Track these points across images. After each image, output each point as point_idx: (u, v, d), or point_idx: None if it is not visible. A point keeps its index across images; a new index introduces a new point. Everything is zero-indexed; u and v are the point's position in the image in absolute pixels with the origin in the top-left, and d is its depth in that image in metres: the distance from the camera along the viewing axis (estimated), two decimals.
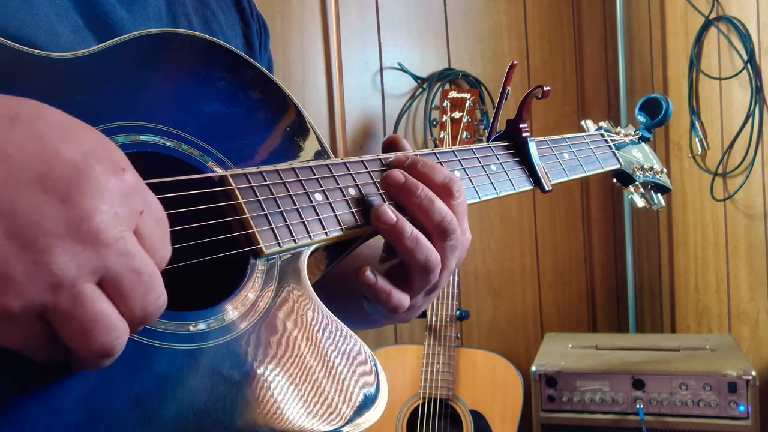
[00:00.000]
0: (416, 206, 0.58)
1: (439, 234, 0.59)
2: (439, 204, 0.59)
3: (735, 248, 2.22)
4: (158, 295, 0.39)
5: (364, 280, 0.58)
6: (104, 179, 0.36)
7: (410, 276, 0.59)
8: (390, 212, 0.57)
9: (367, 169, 0.62)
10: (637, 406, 1.83)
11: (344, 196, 0.59)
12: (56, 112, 0.37)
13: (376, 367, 0.52)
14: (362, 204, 0.60)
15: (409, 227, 0.57)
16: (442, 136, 2.22)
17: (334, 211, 0.57)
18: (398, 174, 0.59)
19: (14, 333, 0.35)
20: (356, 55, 2.43)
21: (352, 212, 0.58)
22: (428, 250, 0.58)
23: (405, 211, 0.60)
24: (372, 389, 0.51)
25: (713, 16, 2.21)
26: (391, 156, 0.63)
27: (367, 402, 0.50)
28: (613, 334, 2.54)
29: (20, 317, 0.35)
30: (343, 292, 0.68)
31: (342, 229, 0.57)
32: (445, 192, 0.60)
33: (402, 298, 0.59)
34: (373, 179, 0.62)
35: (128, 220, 0.37)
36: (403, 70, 2.46)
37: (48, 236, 0.34)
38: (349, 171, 0.60)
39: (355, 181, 0.60)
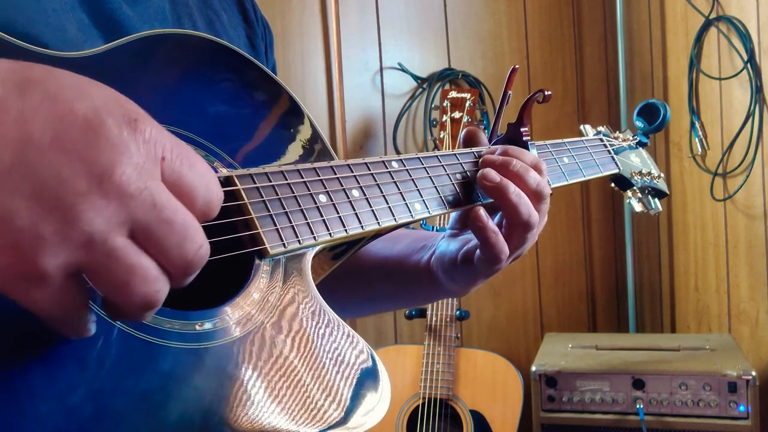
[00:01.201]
0: (513, 175, 0.67)
1: (535, 197, 0.68)
2: (533, 172, 0.68)
3: (735, 248, 2.23)
4: (198, 245, 0.38)
5: (477, 219, 0.65)
6: (117, 132, 0.36)
7: (509, 233, 0.67)
8: (494, 173, 0.66)
9: (370, 171, 0.62)
10: (637, 406, 1.83)
11: (348, 198, 0.59)
12: (66, 73, 0.38)
13: (378, 366, 0.52)
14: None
15: (512, 185, 0.66)
16: (442, 136, 2.22)
17: (338, 213, 0.57)
18: (494, 156, 0.69)
19: (48, 296, 0.36)
20: (356, 55, 2.43)
21: (356, 214, 0.59)
22: (529, 206, 0.67)
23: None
24: (375, 389, 0.51)
25: (713, 16, 2.22)
26: (378, 159, 0.64)
27: (371, 401, 0.50)
28: (613, 334, 2.54)
29: (53, 278, 0.35)
30: (400, 274, 0.78)
31: (346, 230, 0.57)
32: (536, 168, 0.69)
33: (504, 247, 0.67)
34: (376, 181, 0.62)
35: (150, 170, 0.37)
36: (403, 70, 2.46)
37: (72, 194, 0.35)
38: (352, 173, 0.61)
39: (359, 183, 0.61)
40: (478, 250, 0.68)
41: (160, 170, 0.38)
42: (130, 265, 0.36)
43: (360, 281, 0.79)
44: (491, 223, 0.66)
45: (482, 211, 0.66)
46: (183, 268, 0.39)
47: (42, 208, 0.34)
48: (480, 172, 0.67)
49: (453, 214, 0.75)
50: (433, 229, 1.99)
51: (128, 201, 0.36)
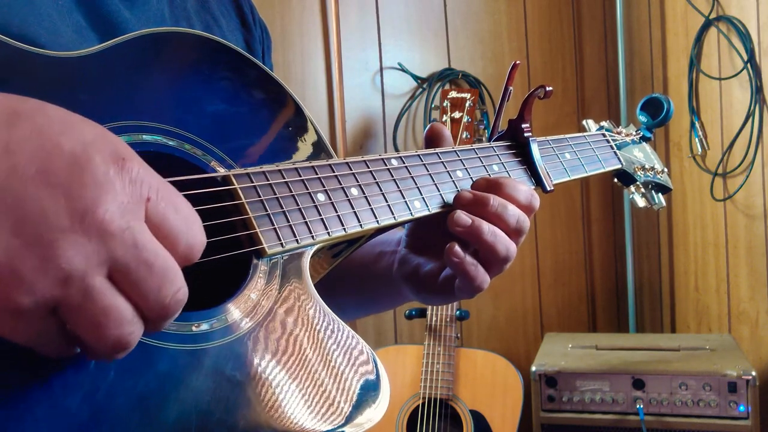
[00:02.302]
0: (492, 215, 0.64)
1: (515, 234, 0.65)
2: (512, 207, 0.65)
3: (735, 248, 2.22)
4: (176, 288, 0.38)
5: (453, 255, 0.63)
6: (105, 169, 0.36)
7: (487, 267, 0.65)
8: (464, 216, 0.63)
9: (368, 169, 0.62)
10: (637, 406, 1.83)
11: (347, 196, 0.59)
12: (56, 108, 0.37)
13: (377, 366, 0.52)
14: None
15: (485, 224, 0.63)
16: None
17: (336, 211, 0.57)
18: (466, 194, 0.65)
19: (26, 329, 0.35)
20: (356, 55, 2.43)
21: (355, 212, 0.59)
22: (507, 241, 0.64)
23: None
24: (374, 389, 0.51)
25: (713, 16, 2.21)
26: (378, 157, 0.63)
27: (370, 401, 0.50)
28: (613, 334, 2.54)
29: (31, 313, 0.35)
30: (374, 279, 0.75)
31: (344, 229, 0.57)
32: (527, 208, 0.67)
33: (485, 276, 0.65)
34: (375, 179, 0.62)
35: (134, 210, 0.37)
36: (403, 70, 2.46)
37: (53, 231, 0.34)
38: (351, 171, 0.60)
39: (358, 181, 0.60)
40: (457, 281, 0.66)
41: (144, 211, 0.37)
42: (105, 307, 0.36)
43: (328, 289, 0.76)
44: (468, 258, 0.63)
45: (456, 247, 0.63)
46: (159, 312, 0.38)
47: (20, 244, 0.34)
48: (450, 215, 0.63)
49: (407, 227, 0.73)
50: None
51: (109, 240, 0.35)
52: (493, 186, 0.66)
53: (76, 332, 0.36)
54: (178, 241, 0.39)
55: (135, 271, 0.36)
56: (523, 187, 0.67)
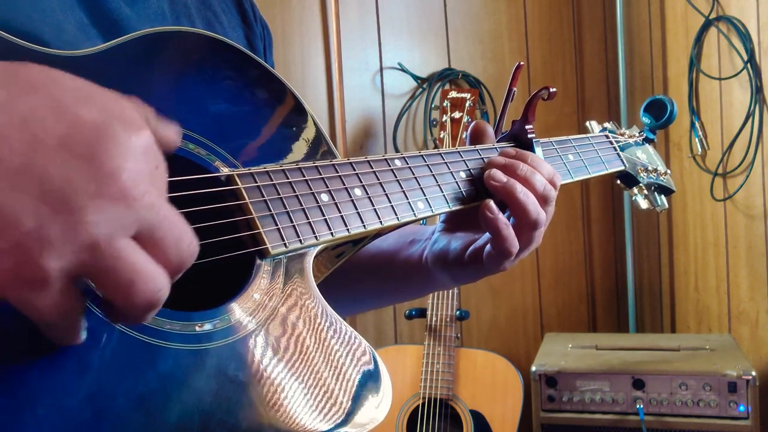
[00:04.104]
0: (520, 178, 0.68)
1: (542, 200, 0.69)
2: (539, 176, 0.69)
3: (735, 248, 2.23)
4: (190, 240, 0.40)
5: (488, 210, 0.66)
6: (125, 138, 0.37)
7: (517, 231, 0.68)
8: (501, 173, 0.68)
9: (372, 169, 0.62)
10: (637, 406, 1.83)
11: (350, 197, 0.59)
12: (67, 77, 0.38)
13: (379, 367, 0.52)
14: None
15: (519, 184, 0.67)
16: (442, 136, 2.22)
17: (339, 212, 0.57)
18: (499, 158, 0.70)
19: (47, 300, 0.36)
20: (356, 55, 2.43)
21: (358, 213, 0.58)
22: (537, 205, 0.68)
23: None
24: (376, 390, 0.51)
25: (713, 16, 2.22)
26: (381, 157, 0.64)
27: (372, 402, 0.50)
28: (613, 334, 2.54)
29: (55, 281, 0.35)
30: (393, 268, 0.78)
31: (348, 229, 0.57)
32: (550, 182, 0.70)
33: (515, 240, 0.67)
34: (378, 180, 0.62)
35: (149, 175, 0.38)
36: (403, 70, 2.46)
37: (80, 197, 0.35)
38: (354, 171, 0.60)
39: (361, 182, 0.60)
40: (487, 247, 0.69)
41: (154, 176, 0.39)
42: (134, 266, 0.37)
43: (348, 279, 0.79)
44: (501, 215, 0.67)
45: (492, 203, 0.66)
46: (178, 265, 0.40)
47: (48, 210, 0.34)
48: (486, 172, 0.68)
49: (441, 217, 0.75)
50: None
51: (133, 203, 0.37)
52: (519, 156, 0.71)
53: (108, 295, 0.37)
54: (165, 200, 0.41)
55: (158, 229, 0.38)
56: (545, 162, 0.71)
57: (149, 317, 0.39)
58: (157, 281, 0.38)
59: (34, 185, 0.34)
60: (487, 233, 0.69)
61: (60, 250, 0.34)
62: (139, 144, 0.38)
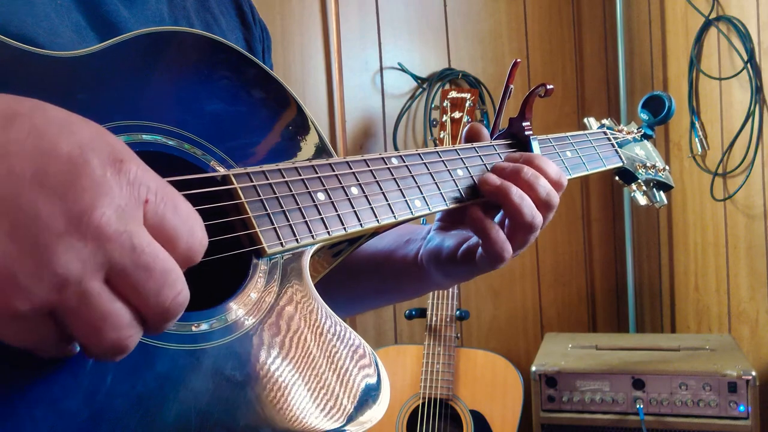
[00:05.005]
0: (523, 182, 0.66)
1: (544, 207, 0.67)
2: (543, 180, 0.67)
3: (735, 248, 2.22)
4: (176, 291, 0.37)
5: (476, 217, 0.65)
6: (101, 172, 0.35)
7: (512, 233, 0.67)
8: (494, 176, 0.67)
9: (369, 167, 0.62)
10: (637, 406, 1.83)
11: (347, 196, 0.58)
12: (55, 109, 0.37)
13: (378, 366, 0.52)
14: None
15: (514, 187, 0.66)
16: (442, 136, 2.22)
17: (336, 211, 0.57)
18: (504, 163, 0.69)
19: (24, 333, 0.35)
20: (356, 55, 2.43)
21: (355, 212, 0.58)
22: (532, 207, 0.66)
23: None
24: (375, 388, 0.50)
25: (713, 16, 2.21)
26: (378, 156, 0.64)
27: (370, 401, 0.50)
28: (613, 334, 2.54)
29: (29, 318, 0.35)
30: (391, 266, 0.77)
31: (344, 228, 0.57)
32: (556, 184, 0.69)
33: (507, 244, 0.66)
34: (375, 178, 0.62)
35: (132, 213, 0.36)
36: (403, 70, 2.46)
37: (49, 234, 0.34)
38: (351, 170, 0.60)
39: (358, 180, 0.60)
40: (480, 248, 0.68)
41: (142, 213, 0.37)
42: (103, 312, 0.35)
43: (346, 278, 0.78)
44: (488, 220, 0.66)
45: (478, 211, 0.66)
46: (159, 315, 0.38)
47: (17, 249, 0.33)
48: (480, 177, 0.68)
49: (437, 216, 0.75)
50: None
51: (105, 243, 0.35)
52: (525, 159, 0.69)
53: (74, 336, 0.36)
54: (179, 243, 0.38)
55: (133, 274, 0.36)
56: (553, 163, 0.70)
57: (119, 359, 0.38)
58: (125, 330, 0.36)
59: (3, 221, 0.33)
60: None
61: (27, 291, 0.34)
62: (118, 178, 0.36)
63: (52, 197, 0.34)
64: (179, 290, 0.38)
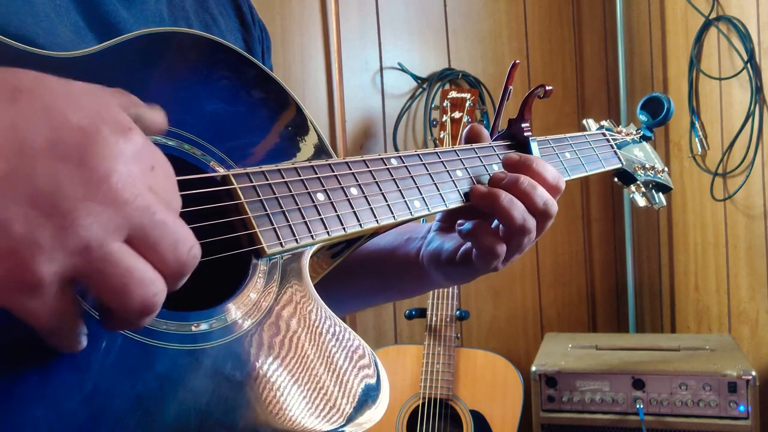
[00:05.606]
0: (521, 192, 0.66)
1: (541, 216, 0.67)
2: (540, 189, 0.67)
3: (735, 248, 2.22)
4: (190, 245, 0.39)
5: (458, 225, 0.65)
6: (114, 140, 0.37)
7: (506, 237, 0.67)
8: (481, 187, 0.67)
9: (368, 168, 0.62)
10: (637, 406, 1.83)
11: (346, 196, 0.59)
12: (55, 80, 0.38)
13: (377, 366, 0.52)
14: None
15: (503, 192, 0.65)
16: (442, 136, 2.22)
17: (336, 211, 0.57)
18: (500, 174, 0.68)
19: (42, 305, 0.36)
20: (356, 55, 2.43)
21: (354, 212, 0.58)
22: (523, 211, 0.66)
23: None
24: (374, 389, 0.51)
25: (713, 16, 2.21)
26: (377, 156, 0.64)
27: (369, 401, 0.50)
28: (613, 334, 2.54)
29: (49, 285, 0.35)
30: (393, 265, 0.77)
31: (344, 228, 0.57)
32: (553, 189, 0.69)
33: (501, 247, 0.66)
34: (374, 179, 0.62)
35: (142, 177, 0.38)
36: (403, 70, 2.46)
37: (69, 200, 0.35)
38: (350, 170, 0.60)
39: (357, 181, 0.60)
40: (474, 250, 0.68)
41: (149, 177, 0.39)
42: (127, 269, 0.37)
43: (346, 276, 0.79)
44: (477, 224, 0.66)
45: (464, 225, 0.66)
46: (177, 269, 0.39)
47: (38, 215, 0.34)
48: (473, 187, 0.68)
49: (438, 216, 0.75)
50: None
51: (124, 206, 0.36)
52: (523, 163, 0.69)
53: (102, 300, 0.37)
54: (171, 203, 0.40)
55: (152, 232, 0.38)
56: (550, 167, 0.70)
57: (145, 322, 0.39)
58: (151, 285, 0.37)
59: (23, 190, 0.34)
60: None
61: (51, 255, 0.34)
62: (129, 146, 0.38)
63: (68, 166, 0.35)
64: (191, 243, 0.40)
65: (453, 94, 2.25)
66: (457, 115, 2.22)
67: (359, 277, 0.81)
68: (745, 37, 2.09)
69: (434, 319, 2.12)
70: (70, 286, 0.36)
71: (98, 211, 0.35)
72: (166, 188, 0.40)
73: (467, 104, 2.22)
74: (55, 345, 0.39)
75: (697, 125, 2.32)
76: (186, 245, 0.39)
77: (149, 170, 0.39)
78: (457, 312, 2.13)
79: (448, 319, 2.11)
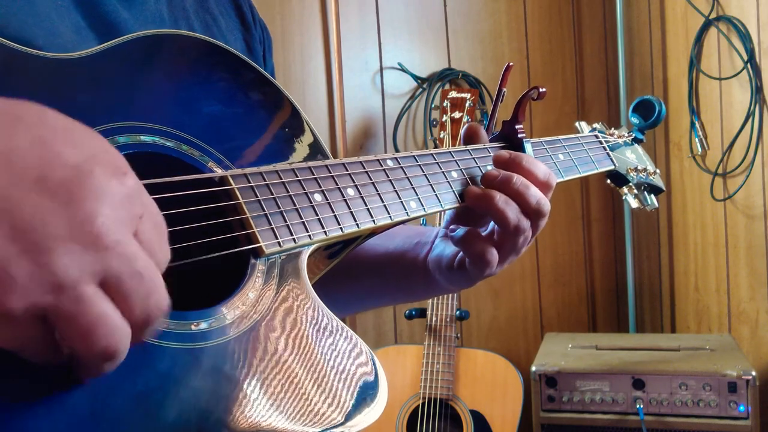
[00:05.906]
0: (514, 192, 0.66)
1: (535, 215, 0.67)
2: (533, 189, 0.67)
3: (735, 248, 2.22)
4: (160, 298, 0.39)
5: (448, 230, 0.66)
6: (105, 182, 0.37)
7: (501, 239, 0.67)
8: (475, 188, 0.67)
9: (365, 169, 0.62)
10: (637, 406, 1.83)
11: (343, 197, 0.59)
12: (57, 116, 0.38)
13: (375, 365, 0.52)
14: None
15: (498, 193, 0.66)
16: (442, 136, 2.22)
17: (333, 211, 0.57)
18: (493, 172, 0.68)
19: (14, 334, 0.36)
20: (356, 55, 2.43)
21: (351, 212, 0.59)
22: (518, 211, 0.66)
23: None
24: (372, 387, 0.51)
25: (713, 16, 2.21)
26: (374, 157, 0.64)
27: (368, 399, 0.50)
28: (613, 334, 2.54)
29: (21, 318, 0.35)
30: (397, 269, 0.78)
31: (341, 228, 0.57)
32: (544, 185, 0.69)
33: (492, 254, 0.67)
34: (371, 180, 0.62)
35: (129, 224, 0.38)
36: (403, 70, 2.46)
37: (50, 238, 0.34)
38: (347, 171, 0.61)
39: (354, 182, 0.61)
40: (467, 258, 0.69)
41: (136, 226, 0.38)
42: (97, 314, 0.36)
43: (355, 277, 0.79)
44: (469, 234, 0.67)
45: (456, 231, 0.67)
46: (144, 320, 0.39)
47: (17, 248, 0.34)
48: (467, 188, 0.68)
49: (447, 213, 0.76)
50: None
51: (104, 251, 0.36)
52: (513, 160, 0.69)
53: (67, 340, 0.37)
54: (155, 255, 0.40)
55: (127, 282, 0.37)
56: (541, 164, 0.70)
57: (107, 368, 0.38)
58: (118, 333, 0.37)
59: (6, 223, 0.34)
60: None
61: (23, 291, 0.34)
62: (121, 189, 0.37)
63: (55, 203, 0.35)
64: (162, 296, 0.39)
65: (453, 94, 2.25)
66: (457, 115, 2.22)
67: (368, 278, 0.82)
68: (745, 37, 2.09)
69: (434, 319, 2.12)
70: (42, 319, 0.36)
71: (78, 253, 0.35)
72: (152, 238, 0.39)
73: (467, 104, 2.22)
74: (34, 362, 0.38)
75: (697, 125, 2.32)
76: (156, 297, 0.39)
77: (137, 218, 0.38)
78: (457, 312, 2.13)
79: (448, 319, 2.11)
